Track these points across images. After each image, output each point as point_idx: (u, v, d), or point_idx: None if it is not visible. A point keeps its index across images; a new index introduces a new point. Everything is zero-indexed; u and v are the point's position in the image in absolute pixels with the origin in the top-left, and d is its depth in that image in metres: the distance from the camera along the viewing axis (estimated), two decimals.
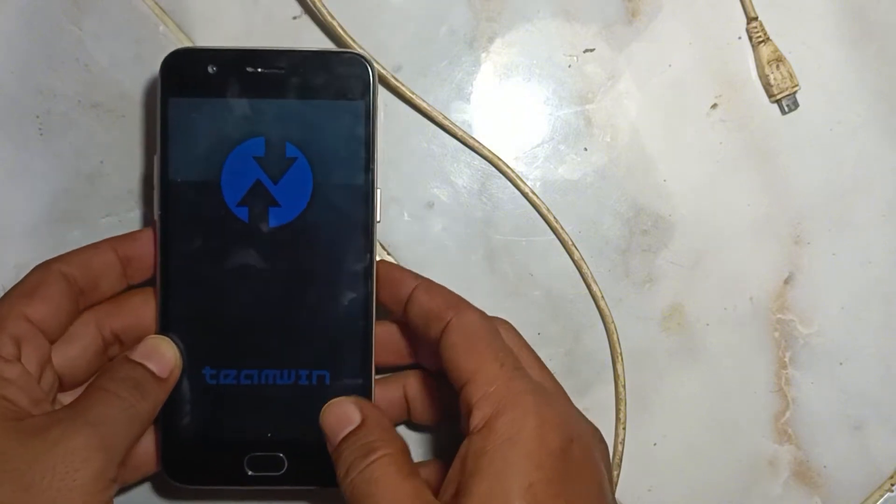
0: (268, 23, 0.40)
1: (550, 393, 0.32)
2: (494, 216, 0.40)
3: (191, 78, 0.35)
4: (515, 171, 0.40)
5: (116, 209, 0.39)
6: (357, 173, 0.35)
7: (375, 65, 0.36)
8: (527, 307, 0.40)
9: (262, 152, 0.35)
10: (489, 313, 0.40)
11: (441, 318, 0.33)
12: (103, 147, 0.39)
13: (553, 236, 0.40)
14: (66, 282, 0.33)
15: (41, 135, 0.39)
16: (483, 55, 0.40)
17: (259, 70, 0.35)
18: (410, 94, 0.39)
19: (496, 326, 0.34)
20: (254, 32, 0.40)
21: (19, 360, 0.31)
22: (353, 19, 0.39)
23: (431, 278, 0.40)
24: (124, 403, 0.31)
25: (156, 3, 0.39)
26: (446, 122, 0.40)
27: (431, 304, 0.34)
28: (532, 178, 0.40)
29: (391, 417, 0.37)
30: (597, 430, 0.34)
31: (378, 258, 0.36)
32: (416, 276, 0.36)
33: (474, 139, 0.40)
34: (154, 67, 0.39)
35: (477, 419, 0.30)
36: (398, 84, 0.39)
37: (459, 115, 0.40)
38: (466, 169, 0.40)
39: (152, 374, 0.33)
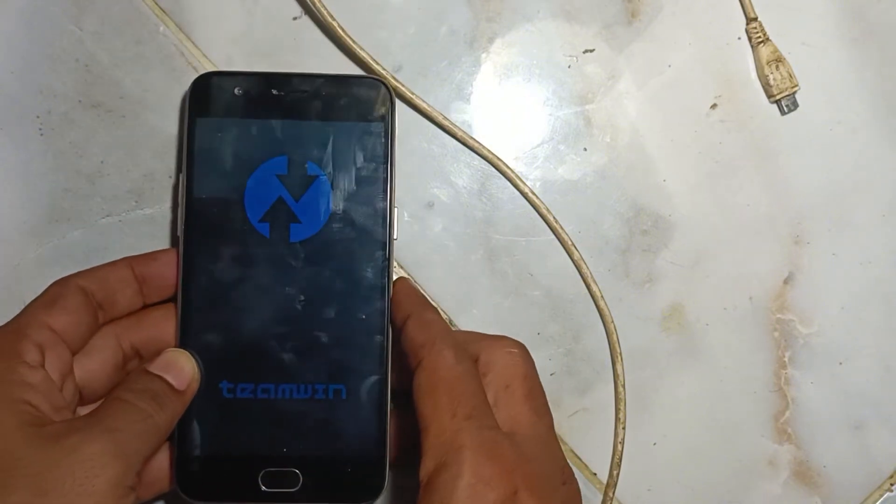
0: (268, 23, 0.40)
1: (498, 443, 0.31)
2: (494, 216, 0.40)
3: (218, 99, 0.36)
4: (515, 171, 0.40)
5: (116, 209, 0.39)
6: (376, 192, 0.36)
7: (365, 67, 0.38)
8: (527, 307, 0.40)
9: (285, 170, 0.36)
10: (489, 314, 0.40)
11: (416, 355, 0.33)
12: (103, 147, 0.39)
13: (553, 236, 0.40)
14: (84, 295, 0.34)
15: (41, 135, 0.39)
16: (483, 55, 0.40)
17: (283, 93, 0.36)
18: (410, 95, 0.39)
19: (470, 368, 0.32)
20: (254, 33, 0.40)
21: (43, 366, 0.32)
22: (353, 19, 0.39)
23: (431, 278, 0.40)
24: (142, 414, 0.31)
25: (156, 3, 0.40)
26: (446, 123, 0.40)
27: (414, 339, 0.33)
28: (532, 178, 0.41)
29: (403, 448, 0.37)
30: (562, 472, 0.33)
31: (395, 276, 0.37)
32: (417, 302, 0.36)
33: (474, 139, 0.40)
34: (154, 67, 0.39)
35: (422, 474, 0.30)
36: (398, 84, 0.39)
37: (459, 116, 0.40)
38: (466, 169, 0.40)
39: (170, 386, 0.33)
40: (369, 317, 0.36)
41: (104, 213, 0.39)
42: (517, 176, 0.40)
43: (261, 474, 0.35)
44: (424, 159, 0.40)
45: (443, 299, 0.40)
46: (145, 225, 0.39)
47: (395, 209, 0.37)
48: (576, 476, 0.33)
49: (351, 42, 0.39)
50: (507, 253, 0.40)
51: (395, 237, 0.36)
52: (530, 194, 0.40)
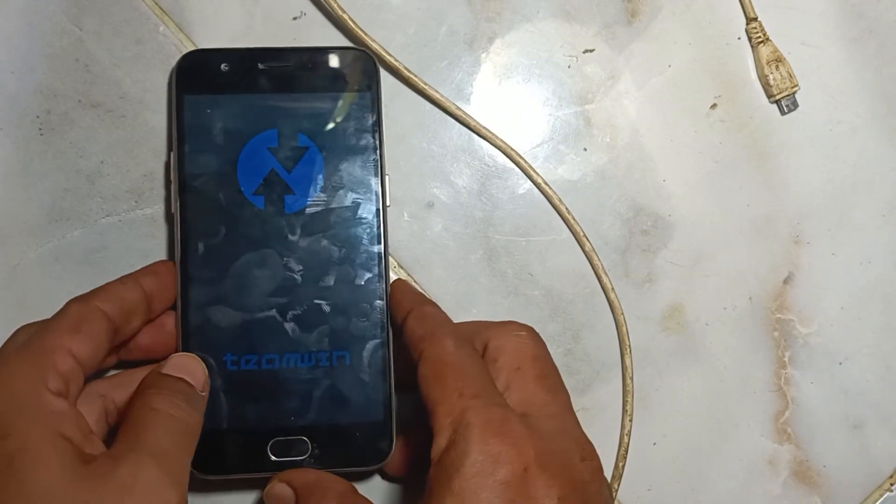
0: (268, 23, 0.40)
1: (507, 420, 0.30)
2: (494, 216, 0.40)
3: (204, 76, 0.37)
4: (527, 162, 0.40)
5: (116, 209, 0.39)
6: (366, 160, 0.37)
7: (378, 58, 0.38)
8: (526, 307, 0.40)
9: (276, 143, 0.37)
10: (489, 314, 0.40)
11: (417, 348, 0.33)
12: (103, 147, 0.39)
13: (552, 236, 0.40)
14: (107, 320, 0.33)
15: (41, 134, 0.39)
16: (483, 55, 0.40)
17: (269, 66, 0.37)
18: (423, 86, 0.39)
19: (472, 353, 0.32)
20: (254, 33, 0.40)
21: (66, 397, 0.30)
22: (353, 19, 0.39)
23: (431, 278, 0.40)
24: (177, 422, 0.31)
25: (156, 3, 0.40)
26: (459, 113, 0.40)
27: (414, 333, 0.34)
28: (532, 178, 0.41)
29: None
30: (581, 448, 0.32)
31: (394, 276, 0.38)
32: (416, 299, 0.36)
33: (487, 129, 0.40)
34: (154, 67, 0.39)
35: (433, 452, 0.30)
36: (410, 75, 0.39)
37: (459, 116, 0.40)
38: (466, 169, 0.40)
39: (192, 386, 0.33)
40: (367, 283, 0.37)
41: (104, 212, 0.39)
42: (530, 166, 0.40)
43: (269, 444, 0.36)
44: (424, 159, 0.40)
45: (443, 299, 0.40)
46: (145, 225, 0.39)
47: (387, 176, 0.37)
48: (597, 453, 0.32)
49: (363, 35, 0.39)
50: (507, 253, 0.40)
51: (387, 204, 0.37)
52: (543, 184, 0.40)
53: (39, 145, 0.39)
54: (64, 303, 0.33)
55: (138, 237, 0.39)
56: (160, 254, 0.39)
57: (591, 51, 0.41)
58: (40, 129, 0.39)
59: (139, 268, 0.36)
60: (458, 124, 0.40)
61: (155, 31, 0.40)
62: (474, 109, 0.40)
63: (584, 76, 0.41)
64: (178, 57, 0.39)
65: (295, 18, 0.40)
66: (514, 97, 0.41)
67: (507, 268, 0.40)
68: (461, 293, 0.40)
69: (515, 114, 0.41)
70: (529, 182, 0.40)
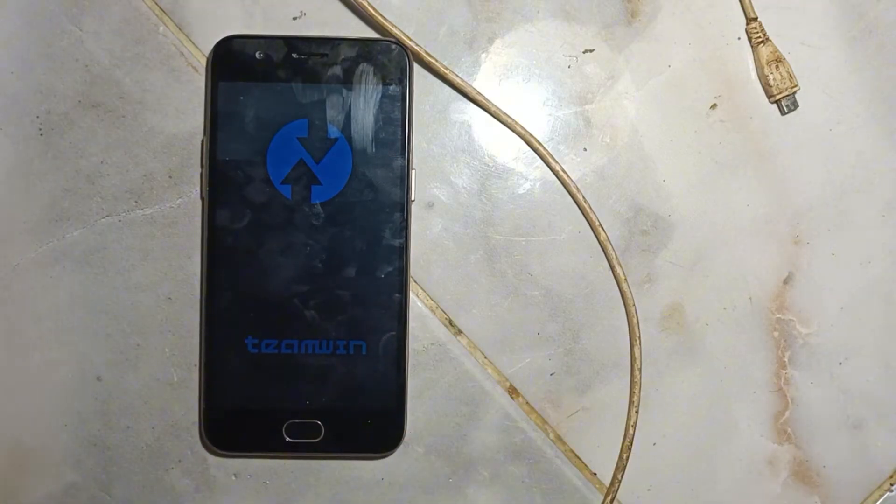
0: (268, 23, 0.40)
1: None
2: (494, 216, 0.40)
3: (239, 63, 0.37)
4: (548, 150, 0.40)
5: (116, 209, 0.39)
6: (394, 154, 0.38)
7: (411, 51, 0.38)
8: (526, 307, 0.40)
9: (306, 133, 0.37)
10: (489, 314, 0.40)
11: None
12: (103, 147, 0.39)
13: (552, 236, 0.41)
14: None
15: (41, 134, 0.39)
16: (483, 55, 0.40)
17: (304, 56, 0.37)
18: (444, 70, 0.39)
19: None
20: (253, 33, 0.40)
21: None
22: (353, 19, 0.39)
23: (431, 278, 0.40)
24: None
25: (156, 3, 0.40)
26: (480, 98, 0.40)
27: None
28: (532, 178, 0.41)
29: None
30: None
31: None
32: None
33: (507, 115, 0.40)
34: (154, 67, 0.39)
35: None
36: (432, 60, 0.39)
37: (459, 116, 0.40)
38: (466, 169, 0.40)
39: None
40: (388, 276, 0.38)
41: (104, 213, 0.39)
42: (549, 154, 0.40)
43: (284, 426, 0.37)
44: (424, 159, 0.40)
45: (443, 299, 0.40)
46: (145, 225, 0.39)
47: (413, 171, 0.38)
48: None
49: (373, 11, 0.38)
50: (507, 253, 0.40)
51: (412, 199, 0.38)
52: (561, 172, 0.40)
53: (39, 145, 0.39)
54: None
55: (138, 237, 0.39)
56: (160, 254, 0.39)
57: (591, 51, 0.41)
58: (40, 129, 0.39)
59: None
60: (457, 124, 0.40)
61: (155, 31, 0.40)
62: (474, 109, 0.40)
63: (584, 76, 0.41)
64: (177, 57, 0.40)
65: (295, 18, 0.40)
66: (513, 97, 0.41)
67: (507, 268, 0.40)
68: (461, 293, 0.40)
69: (515, 114, 0.41)
70: (529, 182, 0.40)
